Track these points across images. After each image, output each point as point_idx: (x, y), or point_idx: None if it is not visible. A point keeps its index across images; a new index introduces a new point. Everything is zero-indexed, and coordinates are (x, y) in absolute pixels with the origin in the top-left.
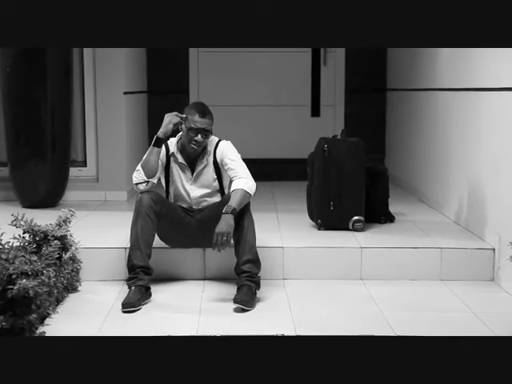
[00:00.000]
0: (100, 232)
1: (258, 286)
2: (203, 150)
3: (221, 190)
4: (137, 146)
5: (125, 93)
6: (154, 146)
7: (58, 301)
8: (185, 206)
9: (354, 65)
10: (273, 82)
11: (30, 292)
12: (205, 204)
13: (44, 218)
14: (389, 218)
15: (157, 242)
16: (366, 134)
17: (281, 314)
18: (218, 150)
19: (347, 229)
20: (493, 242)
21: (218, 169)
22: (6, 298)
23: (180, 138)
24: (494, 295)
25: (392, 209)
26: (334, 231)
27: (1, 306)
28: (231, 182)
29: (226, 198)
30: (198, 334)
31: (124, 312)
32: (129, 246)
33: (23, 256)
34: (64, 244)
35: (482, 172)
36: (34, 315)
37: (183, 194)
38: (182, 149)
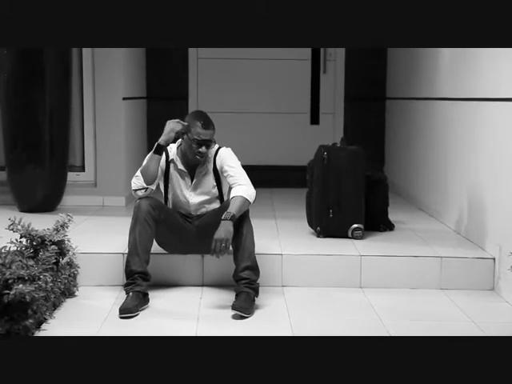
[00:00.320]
0: (98, 237)
1: (256, 293)
2: None
3: (220, 197)
4: (135, 151)
5: (124, 98)
6: (155, 153)
7: (55, 306)
8: (183, 212)
9: (353, 73)
10: (272, 89)
11: (27, 297)
12: (203, 210)
13: (41, 223)
14: (388, 226)
15: (155, 247)
16: (366, 142)
17: (279, 321)
18: (217, 157)
19: (346, 236)
20: (493, 251)
21: (218, 176)
22: (2, 302)
23: (180, 145)
24: (494, 305)
25: (391, 217)
26: (333, 239)
27: None
28: (230, 188)
29: (225, 205)
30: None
31: (121, 318)
32: (127, 251)
33: (20, 261)
34: (61, 249)
35: (481, 181)
36: (31, 320)
37: (182, 201)
38: (181, 155)
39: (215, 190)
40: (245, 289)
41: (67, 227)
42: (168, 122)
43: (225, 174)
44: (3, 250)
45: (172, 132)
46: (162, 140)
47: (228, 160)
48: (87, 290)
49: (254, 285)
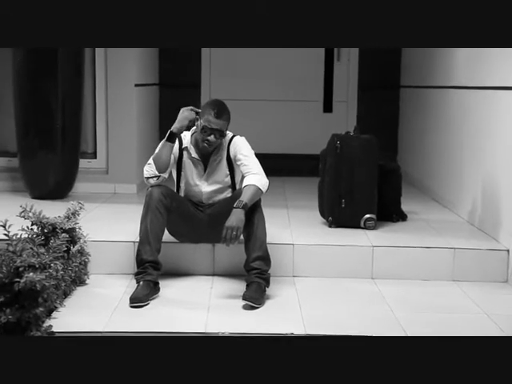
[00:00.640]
0: (109, 225)
1: (267, 283)
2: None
3: (232, 186)
4: (147, 138)
5: (136, 85)
6: (168, 140)
7: (66, 294)
8: (195, 200)
9: (367, 61)
10: (285, 77)
11: (37, 285)
12: (215, 199)
13: (53, 210)
14: (401, 217)
15: (166, 236)
16: (379, 130)
17: (290, 311)
18: (231, 146)
19: (359, 227)
20: (507, 242)
21: (231, 164)
22: (13, 290)
23: (194, 132)
24: (507, 297)
25: (404, 207)
26: (345, 229)
27: (7, 298)
28: (243, 177)
29: (237, 193)
30: (206, 331)
31: (131, 307)
32: (138, 239)
33: (31, 248)
34: (72, 237)
35: (496, 171)
36: (41, 309)
37: (194, 189)
38: (195, 143)
39: (228, 179)
40: (256, 279)
41: (78, 215)
42: (182, 109)
43: (238, 163)
44: (14, 238)
45: (185, 120)
46: (174, 127)
47: (242, 149)
48: (98, 278)
49: (265, 275)
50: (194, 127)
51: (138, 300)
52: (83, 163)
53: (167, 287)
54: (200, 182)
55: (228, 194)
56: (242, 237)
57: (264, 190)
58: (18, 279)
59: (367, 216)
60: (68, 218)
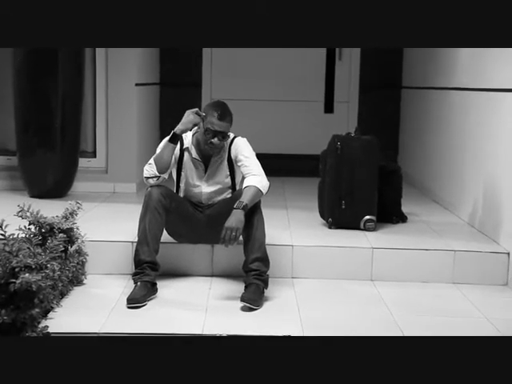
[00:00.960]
0: (107, 225)
1: (266, 284)
2: None
3: (232, 187)
4: (147, 137)
5: (137, 84)
6: (170, 141)
7: (63, 294)
8: (194, 201)
9: (369, 61)
10: (287, 76)
11: (33, 286)
12: (215, 200)
13: (51, 209)
14: (401, 218)
15: (165, 236)
16: (380, 131)
17: (288, 313)
18: (232, 147)
19: (358, 228)
20: (507, 245)
21: (232, 165)
22: (9, 291)
23: (196, 133)
24: (507, 300)
25: (405, 209)
26: (345, 230)
27: (3, 299)
28: (243, 178)
29: (236, 194)
30: (204, 333)
31: (129, 308)
32: (136, 239)
33: (28, 248)
34: (70, 237)
35: (498, 173)
36: (37, 309)
37: (194, 190)
38: (196, 144)
39: (228, 180)
40: (254, 280)
41: (76, 215)
42: (187, 112)
43: (239, 164)
44: (11, 238)
45: (190, 124)
46: (178, 129)
47: (243, 150)
48: (95, 278)
49: (264, 276)
50: (196, 127)
51: (135, 301)
52: (83, 162)
53: (165, 288)
54: (200, 183)
55: (228, 194)
56: (241, 238)
57: (264, 191)
58: (13, 280)
59: (367, 217)
60: (66, 217)
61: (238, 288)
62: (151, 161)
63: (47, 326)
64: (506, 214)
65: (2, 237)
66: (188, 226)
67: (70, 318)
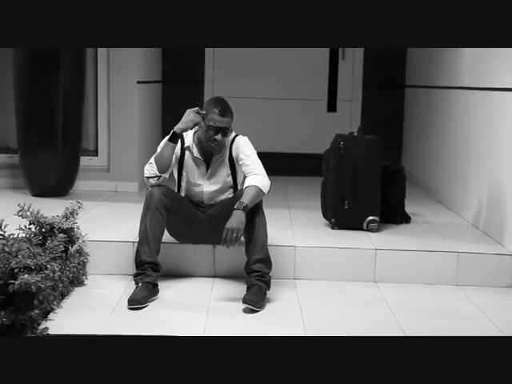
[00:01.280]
0: (109, 224)
1: (268, 286)
2: None
3: (234, 187)
4: (149, 136)
5: (138, 82)
6: (170, 140)
7: (63, 295)
8: (196, 200)
9: (372, 60)
10: (289, 75)
11: (32, 287)
12: (217, 199)
13: (53, 208)
14: (404, 219)
15: (166, 237)
16: (383, 130)
17: (291, 314)
18: (234, 145)
19: (361, 229)
20: None
21: (233, 164)
22: (8, 292)
23: (197, 131)
24: (511, 302)
25: (408, 209)
26: (348, 231)
27: (2, 300)
28: (245, 178)
29: (238, 194)
30: (205, 334)
31: (130, 309)
32: (137, 240)
33: (28, 248)
34: (70, 237)
35: (502, 174)
36: (37, 311)
37: (196, 189)
38: (198, 142)
39: (229, 179)
40: (256, 282)
41: (77, 214)
42: (187, 110)
43: (240, 163)
44: (11, 238)
45: (190, 123)
46: (178, 128)
47: (245, 149)
48: (96, 278)
49: (266, 278)
50: (197, 126)
51: (136, 302)
52: (84, 161)
53: (167, 289)
54: (202, 182)
55: (229, 194)
56: (242, 238)
57: (266, 191)
58: (12, 281)
59: (370, 218)
60: (66, 217)
61: (240, 289)
62: (152, 160)
63: (47, 328)
64: (510, 216)
65: (2, 237)
66: (189, 226)
67: (71, 319)
